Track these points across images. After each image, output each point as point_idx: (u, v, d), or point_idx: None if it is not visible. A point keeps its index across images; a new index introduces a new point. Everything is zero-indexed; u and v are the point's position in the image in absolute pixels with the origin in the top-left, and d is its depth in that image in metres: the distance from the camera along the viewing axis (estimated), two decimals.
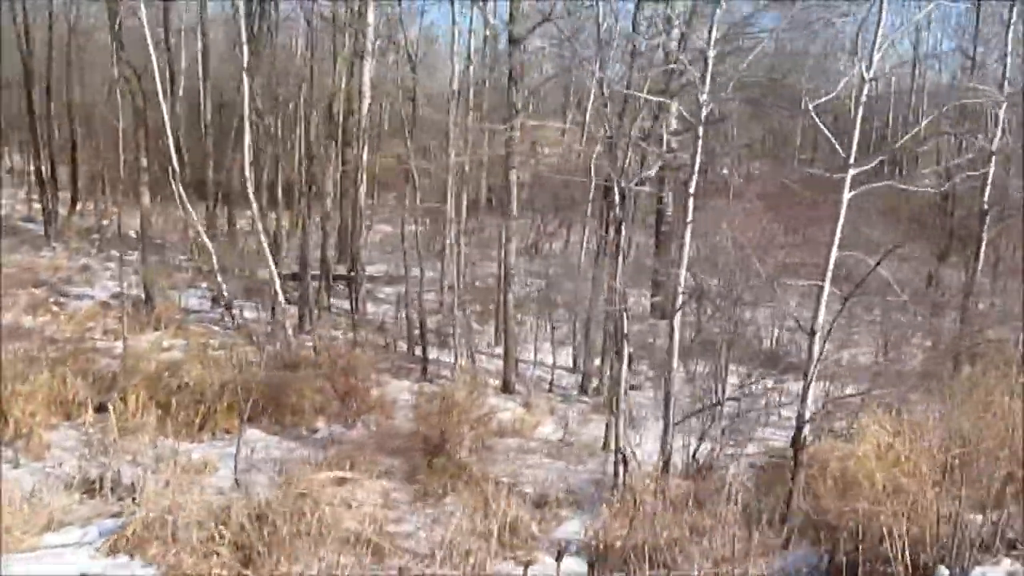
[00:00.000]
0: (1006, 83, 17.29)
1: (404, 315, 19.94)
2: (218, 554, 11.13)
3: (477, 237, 27.10)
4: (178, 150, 28.14)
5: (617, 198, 12.54)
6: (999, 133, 17.17)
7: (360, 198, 21.70)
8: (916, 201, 24.80)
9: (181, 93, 32.05)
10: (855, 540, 11.42)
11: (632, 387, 18.36)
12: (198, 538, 11.28)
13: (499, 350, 19.46)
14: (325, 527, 11.64)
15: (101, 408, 15.66)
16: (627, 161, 13.29)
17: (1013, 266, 21.46)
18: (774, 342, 19.56)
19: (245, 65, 18.32)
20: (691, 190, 11.67)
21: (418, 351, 19.83)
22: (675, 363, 12.46)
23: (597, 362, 18.87)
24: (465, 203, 22.00)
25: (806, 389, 11.58)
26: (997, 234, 23.71)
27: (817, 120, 11.21)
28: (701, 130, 11.48)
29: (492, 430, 15.98)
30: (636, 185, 15.43)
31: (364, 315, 22.15)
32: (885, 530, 10.75)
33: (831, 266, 11.27)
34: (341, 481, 13.47)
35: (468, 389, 17.08)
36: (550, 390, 18.75)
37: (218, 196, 26.78)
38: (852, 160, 10.94)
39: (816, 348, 11.41)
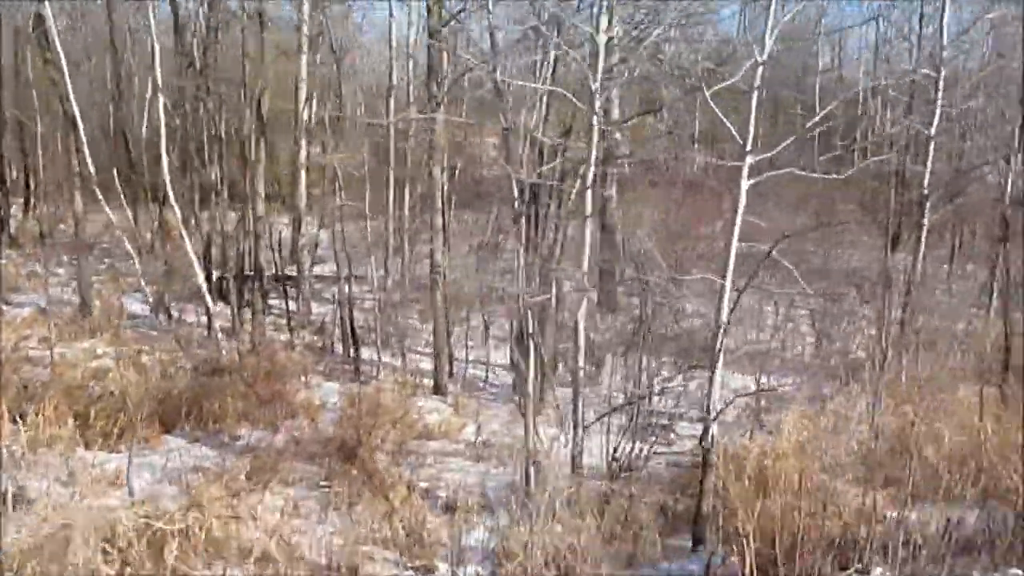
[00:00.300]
0: (941, 65, 16.80)
1: (339, 315, 19.53)
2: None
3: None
4: (127, 151, 27.94)
5: (515, 192, 12.15)
6: (937, 116, 16.72)
7: (300, 196, 21.29)
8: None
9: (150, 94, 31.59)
10: (765, 542, 11.08)
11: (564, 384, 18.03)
12: (83, 557, 10.88)
13: None
14: (218, 542, 11.25)
15: (20, 420, 15.28)
16: (524, 153, 12.86)
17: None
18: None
19: (156, 68, 17.90)
20: (587, 183, 11.25)
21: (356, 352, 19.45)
22: (581, 360, 12.13)
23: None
24: (407, 198, 21.55)
25: (711, 385, 11.17)
26: (957, 220, 23.36)
27: (714, 107, 10.80)
28: (596, 120, 11.04)
29: (417, 432, 15.61)
30: (559, 179, 15.08)
31: (308, 316, 21.77)
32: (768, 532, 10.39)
33: (732, 257, 10.84)
34: (248, 491, 13.09)
35: (397, 390, 16.78)
36: (484, 389, 18.34)
37: (164, 199, 26.30)
38: (749, 148, 10.51)
39: (719, 343, 10.99)
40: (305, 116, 20.96)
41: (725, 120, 10.75)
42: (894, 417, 13.96)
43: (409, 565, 11.50)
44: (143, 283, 20.66)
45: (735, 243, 10.79)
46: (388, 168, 20.14)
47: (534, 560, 11.21)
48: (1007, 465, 12.68)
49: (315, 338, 20.64)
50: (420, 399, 17.07)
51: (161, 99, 17.92)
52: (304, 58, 20.81)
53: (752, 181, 10.66)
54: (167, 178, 17.45)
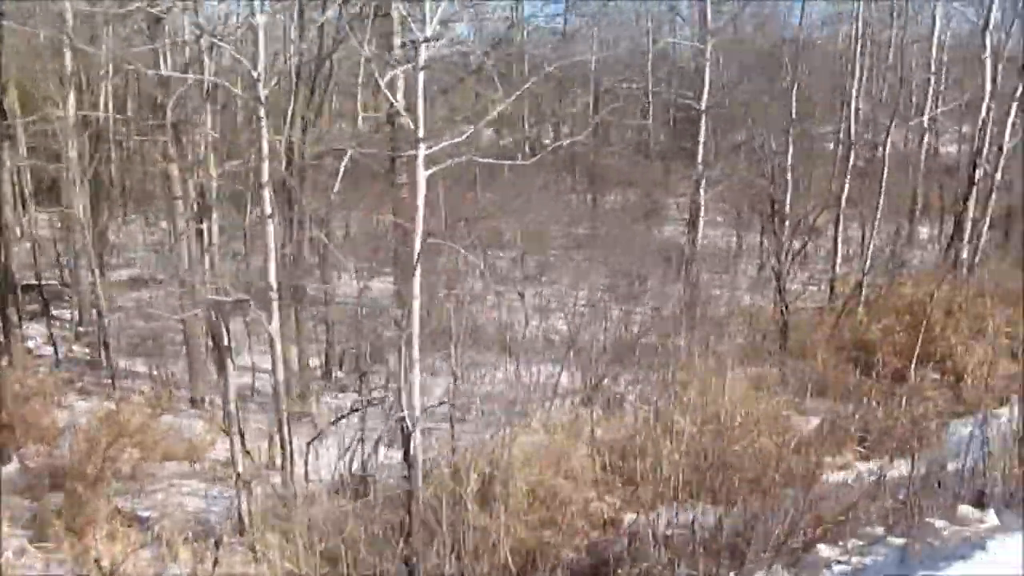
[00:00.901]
0: (708, 36, 16.15)
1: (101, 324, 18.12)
2: None
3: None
4: None
5: (193, 193, 11.06)
6: (707, 89, 16.10)
7: (73, 199, 19.70)
8: None
9: None
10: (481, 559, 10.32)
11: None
12: None
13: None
14: None
15: None
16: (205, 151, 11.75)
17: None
18: (503, 327, 18.28)
19: None
20: (264, 178, 10.21)
21: (133, 365, 18.13)
22: (280, 374, 11.10)
23: (314, 362, 17.42)
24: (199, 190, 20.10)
25: (410, 391, 10.25)
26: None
27: (388, 93, 9.87)
28: (262, 110, 9.97)
29: (160, 453, 14.40)
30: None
31: (90, 327, 20.30)
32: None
33: (418, 255, 9.93)
34: None
35: (149, 406, 15.59)
36: (252, 398, 17.07)
37: None
38: (422, 135, 9.60)
39: (412, 348, 10.10)
40: (72, 112, 19.31)
41: (400, 109, 9.81)
42: (659, 408, 13.29)
43: None
44: None
45: (419, 238, 9.89)
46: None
47: None
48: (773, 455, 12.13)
49: (86, 351, 19.22)
50: (173, 414, 15.86)
51: None
52: (68, 54, 19.21)
53: (430, 171, 9.79)
54: None
